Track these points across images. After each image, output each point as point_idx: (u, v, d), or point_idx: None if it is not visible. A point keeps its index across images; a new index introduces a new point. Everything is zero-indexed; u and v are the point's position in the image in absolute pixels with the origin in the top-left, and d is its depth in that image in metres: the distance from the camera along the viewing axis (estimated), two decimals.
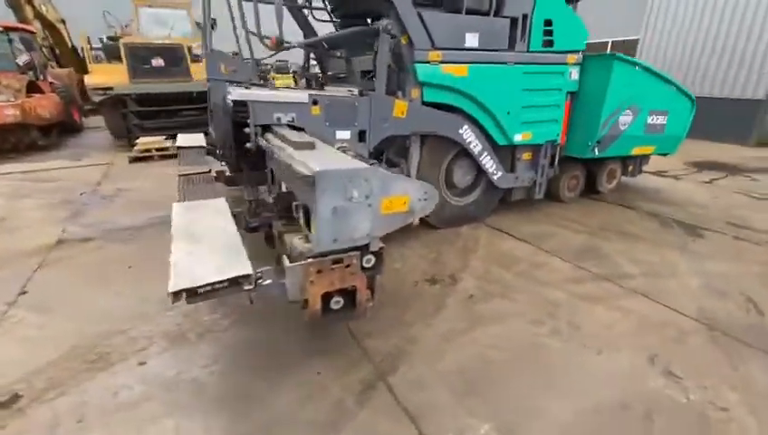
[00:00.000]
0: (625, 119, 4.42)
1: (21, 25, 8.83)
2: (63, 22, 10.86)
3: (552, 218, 4.50)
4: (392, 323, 2.54)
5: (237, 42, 3.15)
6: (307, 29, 4.54)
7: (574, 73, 4.19)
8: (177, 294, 1.62)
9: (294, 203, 2.21)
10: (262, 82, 3.08)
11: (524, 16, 3.66)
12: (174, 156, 7.18)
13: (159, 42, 7.93)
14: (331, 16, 4.51)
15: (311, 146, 2.24)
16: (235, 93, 2.69)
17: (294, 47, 3.78)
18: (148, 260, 3.30)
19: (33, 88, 7.80)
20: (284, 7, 3.38)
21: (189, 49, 8.06)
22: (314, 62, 5.12)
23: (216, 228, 2.23)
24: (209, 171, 3.71)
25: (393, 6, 3.04)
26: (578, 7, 4.29)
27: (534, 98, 3.99)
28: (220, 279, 1.70)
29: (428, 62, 3.31)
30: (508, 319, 2.64)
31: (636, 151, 4.90)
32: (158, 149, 7.18)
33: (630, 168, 5.41)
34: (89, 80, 7.53)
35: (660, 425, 1.87)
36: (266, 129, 2.80)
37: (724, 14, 8.94)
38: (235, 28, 3.45)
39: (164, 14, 8.38)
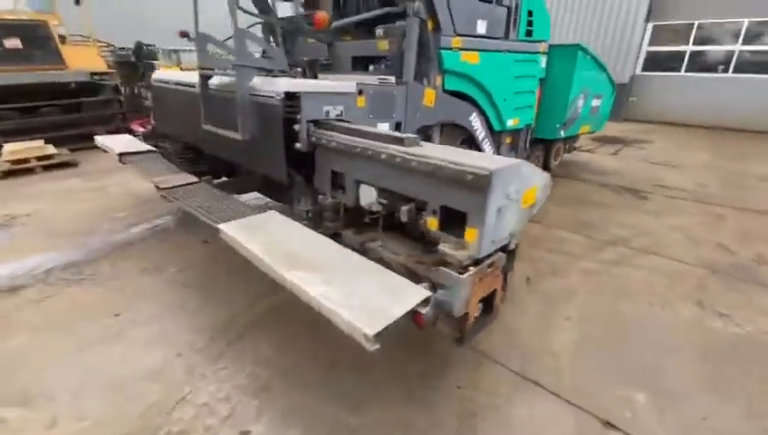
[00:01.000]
0: (580, 102, 5.02)
1: None
2: None
3: None
4: None
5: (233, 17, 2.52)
6: (263, 4, 3.95)
7: (543, 61, 4.56)
8: (377, 335, 1.33)
9: (430, 208, 1.84)
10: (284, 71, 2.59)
11: (516, 6, 3.83)
12: (65, 165, 5.73)
13: (13, 17, 6.12)
14: None
15: (415, 142, 2.00)
16: (282, 84, 2.22)
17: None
18: (137, 301, 2.60)
19: None
20: None
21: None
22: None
23: (312, 246, 1.87)
24: (199, 181, 3.08)
25: None
26: None
27: (521, 84, 4.23)
28: (408, 310, 1.45)
29: (451, 49, 3.23)
30: (577, 295, 2.81)
31: (581, 131, 5.61)
32: (39, 158, 5.59)
33: (568, 146, 6.21)
34: None
35: (749, 355, 2.23)
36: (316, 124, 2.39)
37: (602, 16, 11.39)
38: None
39: None
